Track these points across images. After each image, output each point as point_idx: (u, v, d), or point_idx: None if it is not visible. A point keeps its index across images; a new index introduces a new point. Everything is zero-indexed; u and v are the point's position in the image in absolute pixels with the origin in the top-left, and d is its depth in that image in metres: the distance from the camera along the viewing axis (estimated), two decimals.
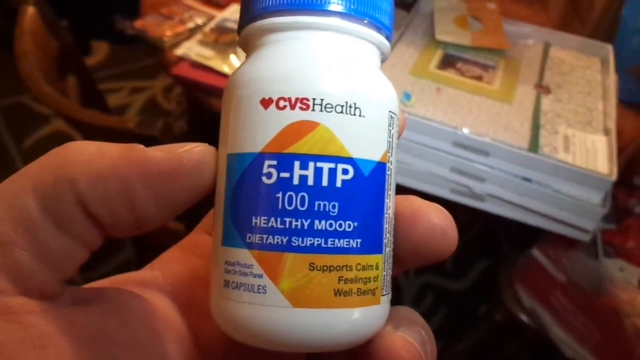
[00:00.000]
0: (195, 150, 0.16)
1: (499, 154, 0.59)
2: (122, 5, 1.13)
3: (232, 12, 0.94)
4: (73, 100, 0.77)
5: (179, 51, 0.81)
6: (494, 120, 0.63)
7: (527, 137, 0.61)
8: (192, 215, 0.21)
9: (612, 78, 0.72)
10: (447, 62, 0.73)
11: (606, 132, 0.63)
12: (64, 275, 0.15)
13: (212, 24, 0.89)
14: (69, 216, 0.15)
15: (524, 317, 0.81)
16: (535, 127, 0.62)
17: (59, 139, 1.53)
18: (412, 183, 0.65)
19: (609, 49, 0.78)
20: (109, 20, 1.47)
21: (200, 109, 0.87)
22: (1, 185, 0.15)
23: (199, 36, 0.85)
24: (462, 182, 0.63)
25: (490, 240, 1.29)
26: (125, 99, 1.72)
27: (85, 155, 0.15)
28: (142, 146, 0.16)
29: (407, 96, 0.64)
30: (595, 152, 0.59)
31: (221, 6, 0.96)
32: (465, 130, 0.60)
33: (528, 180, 0.60)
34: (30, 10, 0.72)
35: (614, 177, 0.56)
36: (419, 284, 1.24)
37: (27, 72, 0.64)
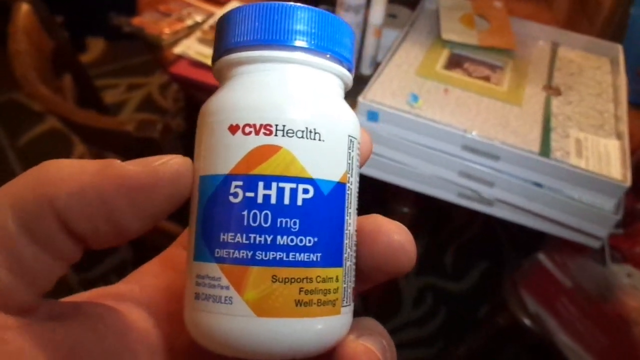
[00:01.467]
0: (170, 163, 0.17)
1: (509, 158, 0.57)
2: (118, 1, 1.10)
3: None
4: (69, 99, 0.75)
5: (178, 49, 0.79)
6: (503, 122, 0.61)
7: (537, 140, 0.59)
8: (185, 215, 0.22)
9: (623, 79, 0.71)
10: (454, 62, 0.71)
11: (619, 135, 0.61)
12: (42, 289, 0.16)
13: (211, 21, 0.87)
14: (48, 233, 0.15)
15: (527, 322, 0.80)
16: (546, 131, 0.61)
17: (54, 136, 1.51)
18: (419, 187, 0.64)
19: (618, 49, 0.77)
20: (105, 16, 1.45)
21: (198, 107, 0.86)
22: None
23: (197, 34, 0.83)
24: (471, 186, 0.61)
25: (491, 242, 1.28)
26: (121, 96, 1.70)
27: (64, 173, 0.15)
28: (118, 161, 0.16)
29: (415, 98, 0.62)
30: (608, 157, 0.58)
31: (220, 3, 0.93)
32: (474, 134, 0.58)
33: (539, 185, 0.58)
34: (25, 7, 0.70)
35: (628, 183, 0.54)
36: (418, 285, 1.23)
37: (22, 72, 0.61)
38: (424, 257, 1.27)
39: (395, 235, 0.18)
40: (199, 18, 0.88)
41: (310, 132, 0.17)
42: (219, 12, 0.90)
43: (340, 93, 0.20)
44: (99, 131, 0.59)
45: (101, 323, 0.17)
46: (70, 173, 0.15)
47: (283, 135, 0.17)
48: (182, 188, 0.17)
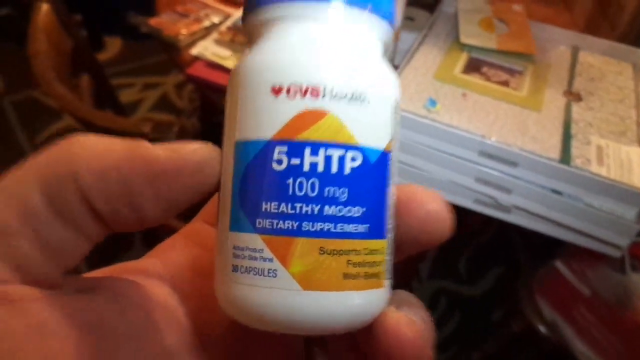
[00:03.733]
0: (199, 151, 0.16)
1: (528, 164, 0.57)
2: (136, 1, 1.11)
3: None
4: (86, 98, 0.76)
5: (195, 50, 0.79)
6: (522, 128, 0.60)
7: (557, 147, 0.58)
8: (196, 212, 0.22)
9: None
10: (472, 66, 0.71)
11: None
12: (66, 266, 0.15)
13: (228, 23, 0.87)
14: (72, 209, 0.15)
15: (543, 329, 0.79)
16: (567, 137, 0.60)
17: (72, 134, 1.52)
18: None
19: None
20: (122, 15, 1.46)
21: (214, 108, 0.86)
22: (7, 177, 0.15)
23: (214, 35, 0.83)
24: (488, 192, 0.60)
25: (505, 247, 1.27)
26: (137, 95, 1.71)
27: (90, 150, 0.15)
28: (147, 143, 0.16)
29: (433, 102, 0.61)
30: (630, 165, 0.56)
31: (237, 4, 0.93)
32: (493, 139, 0.57)
33: (558, 192, 0.57)
34: (45, 7, 0.70)
35: None
36: (432, 289, 1.22)
37: (41, 72, 0.62)
38: (438, 261, 1.26)
39: (430, 205, 0.17)
40: (216, 19, 0.88)
41: (358, 96, 0.16)
42: (236, 13, 0.90)
43: (382, 53, 0.19)
44: (115, 133, 0.59)
45: (125, 298, 0.17)
46: (97, 150, 0.15)
47: (331, 99, 0.16)
48: (207, 177, 0.16)
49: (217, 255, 0.17)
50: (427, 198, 0.18)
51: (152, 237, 0.77)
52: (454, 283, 1.24)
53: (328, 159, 0.16)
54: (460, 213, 0.68)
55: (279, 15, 0.17)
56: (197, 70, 0.76)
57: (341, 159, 0.16)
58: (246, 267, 0.16)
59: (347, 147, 0.16)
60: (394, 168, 0.18)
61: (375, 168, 0.17)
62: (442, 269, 1.26)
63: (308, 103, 0.16)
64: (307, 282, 0.15)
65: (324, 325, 0.16)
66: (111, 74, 1.53)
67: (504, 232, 1.22)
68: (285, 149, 0.16)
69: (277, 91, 0.16)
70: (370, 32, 0.18)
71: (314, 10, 0.17)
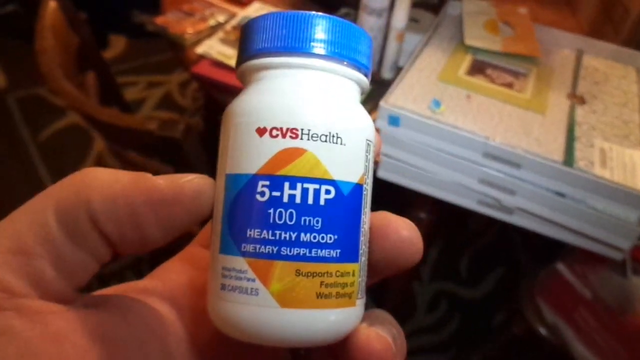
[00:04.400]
0: (195, 181, 0.18)
1: (531, 166, 0.57)
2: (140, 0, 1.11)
3: (255, 10, 0.92)
4: (92, 95, 0.76)
5: (200, 49, 0.79)
6: (525, 130, 0.61)
7: (561, 149, 0.58)
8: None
9: None
10: (477, 68, 0.71)
11: None
12: (78, 284, 0.17)
13: (233, 22, 0.88)
14: (83, 233, 0.17)
15: (544, 331, 0.79)
16: (570, 140, 0.60)
17: (75, 132, 1.52)
18: (438, 193, 0.63)
19: None
20: (127, 14, 1.46)
21: (218, 107, 0.86)
22: (27, 203, 0.17)
23: (220, 34, 0.84)
24: (491, 194, 0.61)
25: (507, 249, 1.27)
26: (140, 93, 1.72)
27: (101, 180, 0.17)
28: (150, 175, 0.18)
29: (437, 104, 0.62)
30: (634, 168, 0.57)
31: (243, 3, 0.94)
32: (497, 141, 0.57)
33: (561, 195, 0.57)
34: (52, 4, 0.71)
35: None
36: (433, 291, 1.22)
37: (48, 69, 0.62)
38: (439, 262, 1.26)
39: (404, 231, 0.19)
40: (221, 18, 0.88)
41: (333, 136, 0.18)
42: (242, 13, 0.90)
43: (358, 98, 0.21)
44: (122, 129, 0.60)
45: (130, 313, 0.18)
46: (106, 180, 0.17)
47: (308, 139, 0.18)
48: (202, 204, 0.18)
49: (209, 275, 0.19)
50: (401, 225, 0.19)
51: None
52: (455, 285, 1.24)
53: (305, 192, 0.18)
54: (463, 214, 0.68)
55: (264, 65, 0.19)
56: (202, 69, 0.76)
57: (316, 192, 0.18)
58: (232, 286, 0.18)
59: (322, 182, 0.18)
60: (367, 198, 0.19)
61: (348, 199, 0.18)
62: (444, 271, 1.26)
63: (288, 142, 0.18)
64: (285, 300, 0.17)
65: (299, 339, 0.18)
66: (115, 72, 1.54)
67: (505, 234, 1.23)
68: (267, 182, 0.18)
69: (261, 132, 0.18)
70: (347, 80, 0.20)
71: (296, 61, 0.19)
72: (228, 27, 0.86)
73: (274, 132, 0.18)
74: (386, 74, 0.76)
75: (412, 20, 0.79)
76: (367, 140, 0.19)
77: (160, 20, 0.86)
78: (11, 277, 0.16)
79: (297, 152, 0.18)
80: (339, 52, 0.19)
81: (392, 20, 0.72)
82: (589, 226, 0.57)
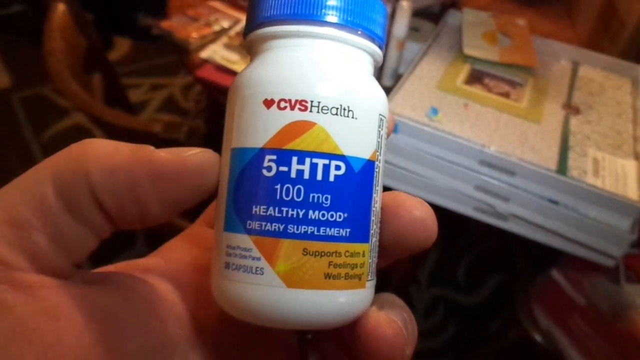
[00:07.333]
0: (199, 155, 0.17)
1: (525, 174, 0.58)
2: (146, 3, 1.13)
3: None
4: (97, 96, 0.77)
5: (204, 54, 0.81)
6: (521, 139, 0.62)
7: (555, 158, 0.60)
8: (199, 214, 0.23)
9: None
10: (475, 77, 0.72)
11: (636, 156, 0.62)
12: (76, 259, 0.17)
13: (237, 28, 0.89)
14: (82, 205, 0.16)
15: (538, 338, 0.80)
16: (564, 149, 0.61)
17: (79, 132, 1.54)
18: (435, 199, 0.64)
19: None
20: (132, 16, 1.48)
21: (220, 111, 0.87)
22: (24, 175, 0.16)
23: (224, 39, 0.85)
24: (487, 200, 0.62)
25: (505, 256, 1.27)
26: (144, 95, 1.73)
27: (100, 151, 0.16)
28: (151, 147, 0.17)
29: (435, 111, 0.63)
30: (625, 177, 0.58)
31: (246, 10, 0.95)
32: (493, 149, 0.59)
33: (554, 202, 0.59)
34: (61, 6, 0.72)
35: None
36: (430, 296, 1.23)
37: (56, 69, 0.64)
38: (436, 268, 1.27)
39: (417, 212, 0.18)
40: (225, 24, 0.90)
41: (344, 109, 0.17)
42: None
43: (371, 70, 0.20)
44: (127, 130, 0.61)
45: (131, 291, 0.18)
46: (105, 152, 0.16)
47: (318, 112, 0.17)
48: (206, 180, 0.17)
49: (213, 254, 0.18)
50: (414, 205, 0.19)
51: (154, 236, 0.78)
52: (452, 291, 1.25)
53: (313, 167, 0.17)
54: (461, 221, 0.69)
55: (272, 34, 0.18)
56: (206, 73, 0.78)
57: (326, 167, 0.17)
58: (237, 265, 0.17)
59: (332, 157, 0.17)
60: (379, 176, 0.19)
61: (359, 176, 0.18)
62: (441, 277, 1.27)
63: (296, 115, 0.17)
64: (291, 280, 0.17)
65: (305, 321, 0.17)
66: (119, 73, 1.55)
67: (503, 241, 1.23)
68: (274, 157, 0.17)
69: (268, 104, 0.17)
70: (360, 51, 0.19)
71: (306, 30, 0.18)
72: (232, 32, 0.88)
73: (282, 104, 0.17)
74: (386, 81, 0.78)
75: (413, 29, 0.81)
76: (380, 115, 0.18)
77: (165, 24, 0.88)
78: (5, 249, 0.15)
79: (306, 126, 0.17)
80: (352, 20, 0.18)
81: (392, 29, 0.74)
82: (581, 233, 0.59)
